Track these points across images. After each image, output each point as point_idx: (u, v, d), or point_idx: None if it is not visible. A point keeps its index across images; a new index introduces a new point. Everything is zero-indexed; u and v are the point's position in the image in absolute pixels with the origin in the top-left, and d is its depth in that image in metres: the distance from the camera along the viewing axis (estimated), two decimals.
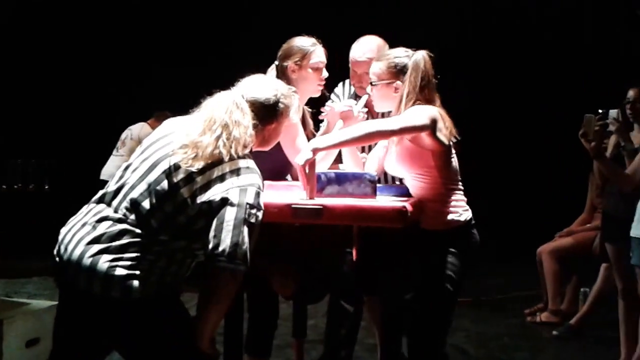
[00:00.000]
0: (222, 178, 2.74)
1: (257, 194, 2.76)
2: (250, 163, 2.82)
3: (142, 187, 2.78)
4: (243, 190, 2.72)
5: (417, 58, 3.44)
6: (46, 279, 7.17)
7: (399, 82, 3.44)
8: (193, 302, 2.77)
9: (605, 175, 4.96)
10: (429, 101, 3.40)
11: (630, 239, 4.58)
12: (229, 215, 2.69)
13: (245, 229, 2.69)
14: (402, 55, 3.49)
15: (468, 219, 3.48)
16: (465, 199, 3.51)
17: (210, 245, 2.68)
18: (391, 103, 3.48)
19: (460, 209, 3.46)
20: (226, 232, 2.67)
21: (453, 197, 3.45)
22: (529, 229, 7.68)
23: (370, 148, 3.86)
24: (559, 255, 6.42)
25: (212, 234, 2.68)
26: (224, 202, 2.70)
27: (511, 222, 8.88)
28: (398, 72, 3.45)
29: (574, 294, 6.46)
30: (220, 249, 2.66)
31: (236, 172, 2.76)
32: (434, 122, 3.30)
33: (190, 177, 2.75)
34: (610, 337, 5.37)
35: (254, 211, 2.73)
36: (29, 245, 7.19)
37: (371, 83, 3.53)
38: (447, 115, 3.41)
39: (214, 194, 2.72)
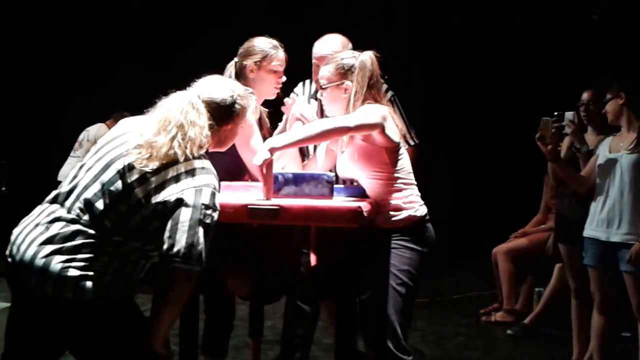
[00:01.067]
0: (177, 178, 2.73)
1: (213, 195, 2.75)
2: (206, 163, 2.81)
3: (96, 187, 2.75)
4: (198, 190, 2.71)
5: (363, 58, 3.50)
6: (1, 280, 7.07)
7: (348, 83, 3.48)
8: (148, 305, 2.75)
9: (559, 177, 5.01)
10: (377, 100, 3.47)
11: (583, 240, 4.65)
12: (184, 216, 2.68)
13: (201, 230, 2.69)
14: (349, 56, 3.55)
15: (424, 214, 3.54)
16: (420, 194, 3.56)
17: (165, 246, 2.67)
18: (342, 106, 3.51)
19: (416, 204, 3.52)
20: (181, 233, 2.66)
21: (409, 193, 3.50)
22: (484, 229, 7.74)
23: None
24: (513, 256, 6.49)
25: (167, 234, 2.67)
26: (179, 202, 2.69)
27: (466, 223, 8.94)
28: (346, 72, 3.50)
29: (529, 294, 6.53)
30: (175, 249, 2.65)
31: (191, 172, 2.74)
32: (384, 120, 3.37)
33: (144, 177, 2.73)
34: (563, 336, 5.43)
35: (209, 212, 2.72)
36: None
37: (322, 87, 3.56)
38: (396, 114, 3.53)
39: (169, 194, 2.70)
